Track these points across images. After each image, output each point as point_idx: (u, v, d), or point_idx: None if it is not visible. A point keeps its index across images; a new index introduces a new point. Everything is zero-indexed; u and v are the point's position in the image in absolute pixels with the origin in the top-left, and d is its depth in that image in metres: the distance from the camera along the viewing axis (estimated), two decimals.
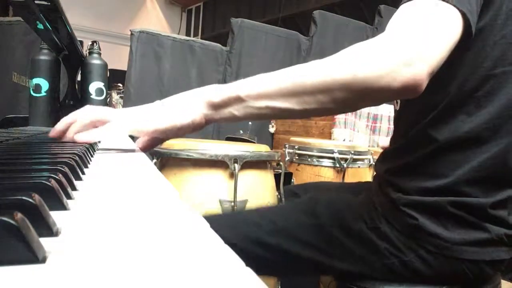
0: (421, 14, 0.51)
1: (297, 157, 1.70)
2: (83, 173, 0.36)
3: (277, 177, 1.16)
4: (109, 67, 1.36)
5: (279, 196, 1.11)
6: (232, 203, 1.00)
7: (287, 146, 1.76)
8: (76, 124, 0.58)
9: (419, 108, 0.65)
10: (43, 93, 1.21)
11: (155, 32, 2.87)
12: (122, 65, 3.33)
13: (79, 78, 1.35)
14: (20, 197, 0.19)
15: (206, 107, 0.57)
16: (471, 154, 0.61)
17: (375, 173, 0.80)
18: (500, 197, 0.62)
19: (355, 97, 0.51)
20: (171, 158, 1.03)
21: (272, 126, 3.05)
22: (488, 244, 0.62)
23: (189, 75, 2.98)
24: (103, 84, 1.30)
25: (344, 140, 2.50)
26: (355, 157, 1.62)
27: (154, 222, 0.23)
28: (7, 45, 2.38)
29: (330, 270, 0.73)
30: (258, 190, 1.07)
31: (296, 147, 1.70)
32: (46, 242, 0.17)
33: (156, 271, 0.15)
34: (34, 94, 1.21)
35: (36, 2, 0.82)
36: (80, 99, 1.30)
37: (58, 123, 0.60)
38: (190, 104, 0.58)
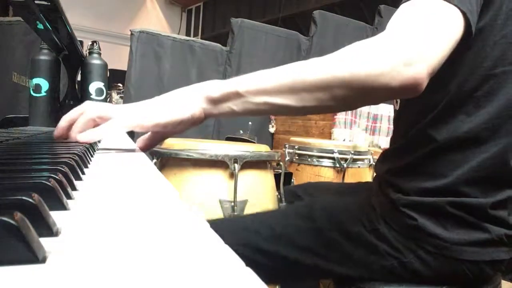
0: (421, 14, 0.51)
1: (297, 157, 1.70)
2: (83, 173, 0.36)
3: (277, 177, 1.15)
4: (109, 67, 1.36)
5: (279, 196, 1.11)
6: (232, 203, 1.00)
7: (287, 146, 1.76)
8: (78, 124, 0.58)
9: (419, 108, 0.65)
10: (43, 93, 1.21)
11: (155, 32, 2.87)
12: (122, 65, 3.33)
13: (79, 78, 1.35)
14: (20, 197, 0.19)
15: (205, 101, 0.57)
16: (470, 154, 0.61)
17: (375, 173, 0.80)
18: (500, 197, 0.62)
19: (355, 95, 0.50)
20: (171, 158, 1.03)
21: (272, 126, 3.05)
22: (488, 245, 0.62)
23: (189, 75, 2.98)
24: (103, 84, 1.29)
25: (344, 140, 2.49)
26: (355, 157, 1.62)
27: (154, 222, 0.23)
28: (7, 45, 2.38)
29: (329, 274, 0.73)
30: (258, 190, 1.07)
31: (296, 147, 1.70)
32: (46, 242, 0.17)
33: (156, 271, 0.15)
34: (34, 94, 1.21)
35: (36, 2, 0.82)
36: (80, 99, 1.30)
37: (60, 121, 0.60)
38: (189, 99, 0.58)
